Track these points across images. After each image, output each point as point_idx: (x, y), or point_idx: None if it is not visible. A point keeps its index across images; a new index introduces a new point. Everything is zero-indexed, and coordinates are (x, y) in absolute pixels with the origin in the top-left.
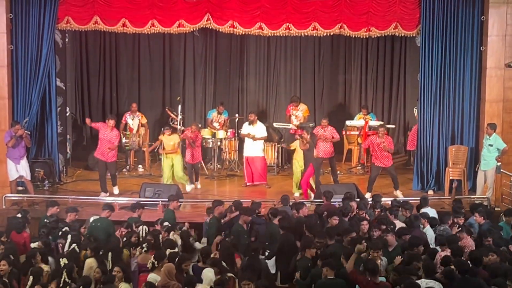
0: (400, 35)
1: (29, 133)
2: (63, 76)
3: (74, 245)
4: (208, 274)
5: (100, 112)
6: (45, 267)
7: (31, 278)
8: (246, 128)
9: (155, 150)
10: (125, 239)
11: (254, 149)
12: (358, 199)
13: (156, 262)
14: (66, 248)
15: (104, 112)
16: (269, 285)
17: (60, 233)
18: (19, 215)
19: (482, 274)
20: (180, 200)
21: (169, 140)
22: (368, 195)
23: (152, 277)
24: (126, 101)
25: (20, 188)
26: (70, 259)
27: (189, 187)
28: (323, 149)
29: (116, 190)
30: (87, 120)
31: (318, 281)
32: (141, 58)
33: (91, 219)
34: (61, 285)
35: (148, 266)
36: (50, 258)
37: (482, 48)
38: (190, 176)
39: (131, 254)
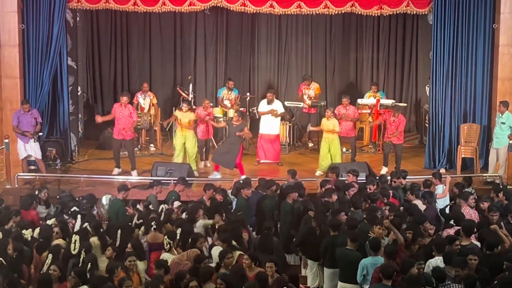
0: (412, 13)
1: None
2: (74, 55)
3: (86, 224)
4: (216, 252)
5: (111, 91)
6: (62, 243)
7: (50, 256)
8: (264, 106)
9: (166, 127)
10: (140, 220)
11: (271, 127)
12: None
13: (171, 242)
14: (77, 228)
15: (116, 90)
16: (281, 263)
17: (70, 212)
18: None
19: None
20: (190, 178)
21: (185, 117)
22: (384, 170)
23: (166, 256)
24: (137, 80)
25: (32, 167)
26: (82, 237)
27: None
28: (345, 129)
29: (134, 173)
30: (97, 118)
31: (337, 248)
32: (152, 37)
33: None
34: (79, 264)
35: (165, 248)
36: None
37: (495, 26)
38: (200, 153)
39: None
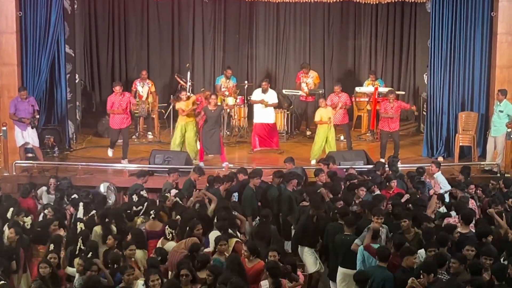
0: (410, 1)
1: (36, 122)
2: (72, 42)
3: (93, 212)
4: (213, 237)
5: (109, 78)
6: (61, 232)
7: (51, 246)
8: (257, 95)
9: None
10: (140, 207)
11: (264, 115)
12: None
13: (173, 232)
14: (80, 215)
15: (113, 78)
16: (279, 250)
17: (70, 199)
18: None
19: None
20: (189, 167)
21: (187, 104)
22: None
23: (170, 245)
24: (135, 67)
25: (30, 155)
26: (87, 225)
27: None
28: (338, 116)
29: (125, 162)
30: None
31: (336, 236)
32: (150, 25)
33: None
34: (76, 252)
35: (168, 237)
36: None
37: (493, 14)
38: None
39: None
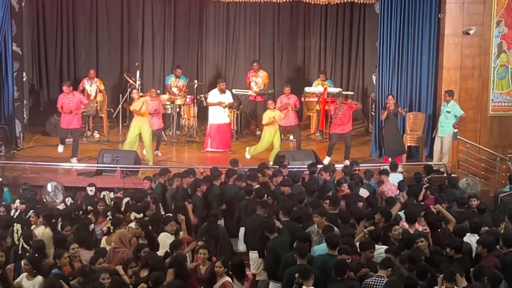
0: (359, 2)
1: None
2: (19, 40)
3: (31, 211)
4: (165, 239)
5: (57, 76)
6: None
7: None
8: (216, 96)
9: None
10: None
11: (221, 116)
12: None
13: (112, 228)
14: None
15: (62, 76)
16: (227, 251)
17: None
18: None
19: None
20: (138, 167)
21: (139, 103)
22: (327, 160)
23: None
24: (83, 66)
25: None
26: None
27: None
28: (288, 119)
29: (74, 160)
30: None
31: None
32: (99, 23)
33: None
34: (19, 252)
35: (104, 230)
36: None
37: (440, 15)
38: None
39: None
